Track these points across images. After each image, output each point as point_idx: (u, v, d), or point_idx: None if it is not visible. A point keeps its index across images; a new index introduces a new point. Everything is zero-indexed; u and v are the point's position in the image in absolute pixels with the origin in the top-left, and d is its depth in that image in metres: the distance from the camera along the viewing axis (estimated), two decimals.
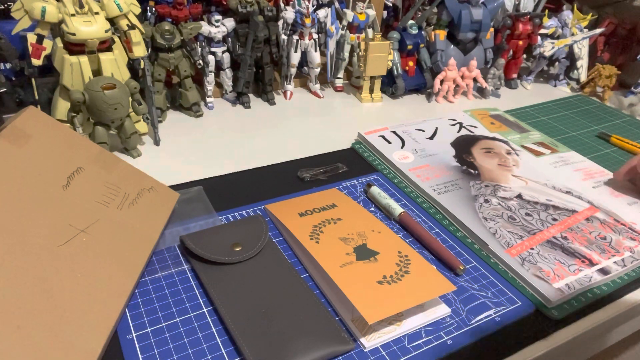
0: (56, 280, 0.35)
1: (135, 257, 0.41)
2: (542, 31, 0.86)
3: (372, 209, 0.51)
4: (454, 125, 0.69)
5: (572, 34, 0.86)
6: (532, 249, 0.47)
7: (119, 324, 0.37)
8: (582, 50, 0.87)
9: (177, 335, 0.36)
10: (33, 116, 0.43)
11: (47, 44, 0.56)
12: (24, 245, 0.35)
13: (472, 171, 0.58)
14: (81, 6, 0.54)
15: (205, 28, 0.68)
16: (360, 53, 0.76)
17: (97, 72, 0.57)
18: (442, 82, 0.79)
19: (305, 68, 0.81)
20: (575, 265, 0.45)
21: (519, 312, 0.41)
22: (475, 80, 0.82)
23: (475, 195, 0.53)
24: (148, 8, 0.67)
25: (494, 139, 0.66)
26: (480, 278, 0.44)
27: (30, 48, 0.55)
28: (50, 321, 0.33)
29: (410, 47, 0.78)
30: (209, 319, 0.38)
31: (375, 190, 0.52)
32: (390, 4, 0.90)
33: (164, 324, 0.37)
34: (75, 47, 0.55)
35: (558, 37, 0.86)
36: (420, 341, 0.37)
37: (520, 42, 0.86)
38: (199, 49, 0.68)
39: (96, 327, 0.34)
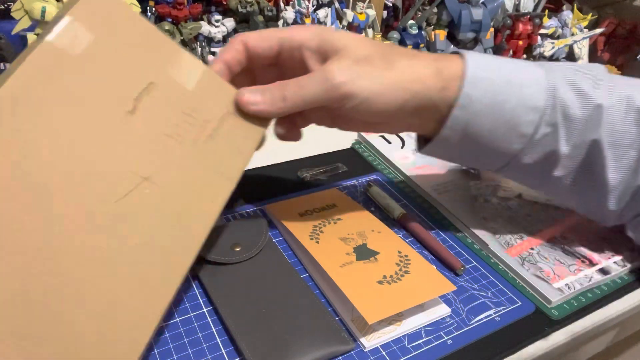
0: (105, 255, 0.29)
1: (203, 218, 0.33)
2: (542, 31, 0.86)
3: (372, 209, 0.51)
4: None
5: (572, 34, 0.86)
6: (532, 249, 0.47)
7: None
8: (582, 50, 0.87)
9: (177, 335, 0.36)
10: (100, 4, 0.30)
11: None
12: (73, 202, 0.28)
13: (472, 171, 0.58)
14: None
15: (205, 28, 0.68)
16: None
17: None
18: None
19: None
20: (575, 265, 0.45)
21: (519, 312, 0.41)
22: None
23: (475, 195, 0.53)
24: (148, 8, 0.67)
25: None
26: (480, 278, 0.44)
27: None
28: (96, 300, 0.28)
29: (410, 47, 0.78)
30: (209, 319, 0.38)
31: (375, 190, 0.52)
32: (390, 4, 0.90)
33: (163, 324, 0.37)
34: None
35: (558, 37, 0.86)
36: (420, 341, 0.37)
37: (520, 42, 0.86)
38: (199, 49, 0.68)
39: (145, 312, 0.29)
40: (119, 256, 0.29)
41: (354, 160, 0.60)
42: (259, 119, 0.38)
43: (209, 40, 0.69)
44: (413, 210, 0.52)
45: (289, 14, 0.72)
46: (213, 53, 0.69)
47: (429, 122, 0.40)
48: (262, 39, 0.39)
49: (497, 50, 0.85)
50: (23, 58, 0.28)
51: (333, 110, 0.39)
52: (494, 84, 0.37)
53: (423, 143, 0.43)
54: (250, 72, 0.41)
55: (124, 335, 0.29)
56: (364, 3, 0.77)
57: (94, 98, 0.29)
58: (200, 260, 0.42)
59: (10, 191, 0.27)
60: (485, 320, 0.40)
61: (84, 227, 0.28)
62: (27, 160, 0.27)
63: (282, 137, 0.43)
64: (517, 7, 0.87)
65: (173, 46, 0.34)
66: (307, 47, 0.38)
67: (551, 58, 0.87)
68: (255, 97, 0.37)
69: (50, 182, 0.28)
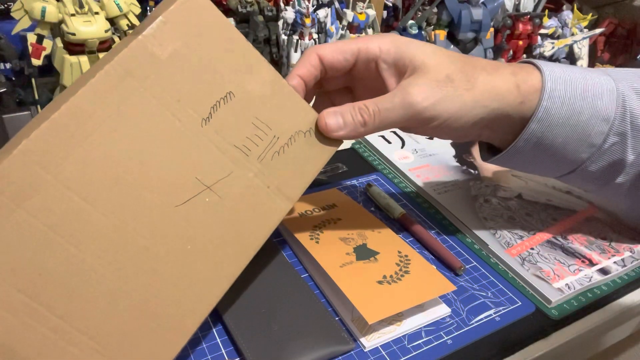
0: (161, 253, 0.30)
1: (255, 234, 0.33)
2: (542, 31, 0.86)
3: (372, 209, 0.51)
4: None
5: (572, 34, 0.86)
6: (532, 249, 0.47)
7: None
8: (582, 50, 0.87)
9: None
10: (194, 5, 0.31)
11: (47, 44, 0.56)
12: (137, 202, 0.29)
13: (472, 171, 0.58)
14: (81, 6, 0.54)
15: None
16: None
17: None
18: None
19: None
20: (575, 265, 0.45)
21: (519, 312, 0.41)
22: None
23: (475, 195, 0.53)
24: (148, 8, 0.67)
25: None
26: (480, 278, 0.44)
27: (30, 48, 0.55)
28: (142, 301, 0.29)
29: None
30: (209, 319, 0.38)
31: (375, 190, 0.52)
32: (390, 4, 0.90)
33: None
34: (76, 47, 0.55)
35: (558, 37, 0.86)
36: (420, 341, 0.37)
37: (520, 42, 0.85)
38: None
39: (188, 314, 0.30)
40: (169, 259, 0.30)
41: (354, 160, 0.60)
42: (332, 140, 0.37)
43: None
44: (413, 210, 0.52)
45: (289, 14, 0.72)
46: None
47: (501, 133, 0.40)
48: (338, 52, 0.38)
49: (497, 50, 0.85)
50: (114, 53, 0.29)
51: (407, 127, 0.38)
52: (570, 96, 0.37)
53: (486, 151, 0.43)
54: (320, 78, 0.40)
55: (161, 336, 0.30)
56: (364, 3, 0.77)
57: (173, 101, 0.30)
58: None
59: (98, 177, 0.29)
60: (485, 320, 0.40)
61: (148, 224, 0.30)
62: (110, 152, 0.29)
63: None
64: (517, 7, 0.87)
65: (257, 57, 0.34)
66: (383, 59, 0.37)
67: (551, 58, 0.87)
68: (337, 122, 0.36)
69: (123, 176, 0.29)
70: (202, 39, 0.31)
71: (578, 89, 0.38)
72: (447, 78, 0.36)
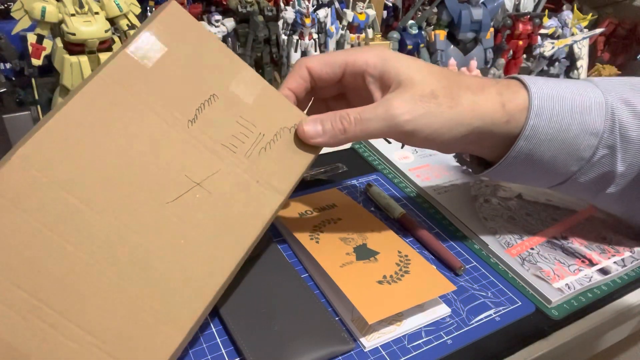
0: (155, 248, 0.31)
1: (248, 226, 0.34)
2: (542, 31, 0.86)
3: (372, 209, 0.51)
4: None
5: (572, 34, 0.86)
6: (532, 249, 0.47)
7: None
8: (582, 50, 0.87)
9: None
10: (174, 19, 0.33)
11: (47, 44, 0.56)
12: (129, 200, 0.31)
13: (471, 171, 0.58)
14: (81, 6, 0.54)
15: (205, 28, 0.68)
16: None
17: None
18: None
19: None
20: (575, 265, 0.45)
21: (519, 312, 0.41)
22: None
23: (475, 195, 0.53)
24: (148, 8, 0.67)
25: None
26: (480, 278, 0.44)
27: (30, 48, 0.55)
28: (138, 296, 0.30)
29: (410, 47, 0.78)
30: (209, 319, 0.38)
31: (375, 190, 0.52)
32: (390, 4, 0.90)
33: None
34: (75, 47, 0.55)
35: (558, 37, 0.86)
36: (420, 341, 0.37)
37: (520, 42, 0.86)
38: None
39: (185, 308, 0.31)
40: (163, 254, 0.31)
41: (354, 160, 0.60)
42: None
43: None
44: (413, 210, 0.52)
45: (289, 14, 0.72)
46: None
47: (487, 149, 0.40)
48: (326, 65, 0.39)
49: (497, 50, 0.85)
50: (104, 65, 0.32)
51: (391, 138, 0.39)
52: (558, 113, 0.37)
53: (476, 163, 0.44)
54: (312, 88, 0.41)
55: (158, 330, 0.30)
56: (364, 3, 0.77)
57: (159, 105, 0.33)
58: None
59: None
60: (485, 320, 0.40)
61: (141, 221, 0.31)
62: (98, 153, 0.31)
63: None
64: (517, 7, 0.86)
65: (238, 62, 0.36)
66: (369, 73, 0.38)
67: (551, 58, 0.87)
68: (316, 129, 0.37)
69: (115, 176, 0.31)
70: (184, 48, 0.34)
71: (566, 105, 0.38)
72: (431, 94, 0.36)
